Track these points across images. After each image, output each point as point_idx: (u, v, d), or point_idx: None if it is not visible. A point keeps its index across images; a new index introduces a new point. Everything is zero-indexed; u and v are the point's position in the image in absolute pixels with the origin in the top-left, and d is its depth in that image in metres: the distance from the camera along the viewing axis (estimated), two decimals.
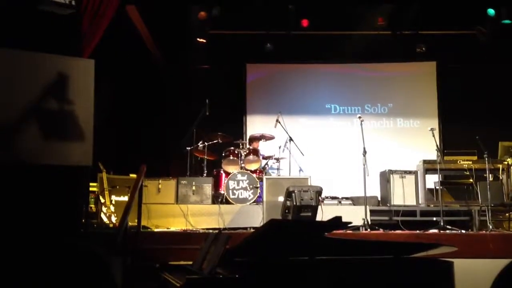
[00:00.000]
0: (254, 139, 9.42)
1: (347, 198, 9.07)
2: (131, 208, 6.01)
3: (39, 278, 1.36)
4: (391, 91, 11.35)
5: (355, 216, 7.35)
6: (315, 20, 10.40)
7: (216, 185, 8.68)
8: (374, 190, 8.93)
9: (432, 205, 8.41)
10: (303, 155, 9.16)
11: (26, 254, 1.40)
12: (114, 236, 5.73)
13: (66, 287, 1.36)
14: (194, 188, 8.22)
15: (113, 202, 7.56)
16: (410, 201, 8.34)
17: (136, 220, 6.43)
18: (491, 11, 9.65)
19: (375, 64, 11.37)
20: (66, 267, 1.38)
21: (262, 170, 8.95)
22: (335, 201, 8.96)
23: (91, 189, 7.45)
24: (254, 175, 8.51)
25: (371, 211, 7.92)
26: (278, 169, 9.27)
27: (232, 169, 8.72)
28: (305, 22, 10.41)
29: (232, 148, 9.03)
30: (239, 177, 8.41)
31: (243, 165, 8.77)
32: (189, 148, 9.00)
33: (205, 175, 8.76)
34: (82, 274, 1.39)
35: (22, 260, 1.39)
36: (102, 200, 7.52)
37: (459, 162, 8.59)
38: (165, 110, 10.64)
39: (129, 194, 6.56)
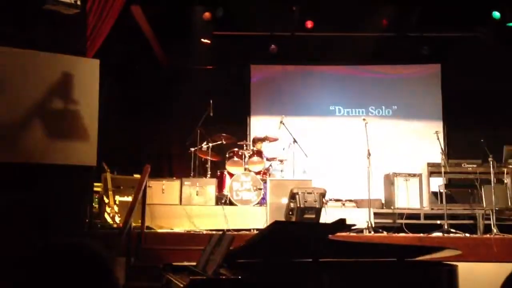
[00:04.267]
0: (258, 140, 9.40)
1: (350, 201, 9.05)
2: (135, 208, 6.02)
3: (36, 277, 1.36)
4: (396, 93, 11.33)
5: (359, 218, 7.33)
6: (320, 22, 10.40)
7: (220, 186, 8.67)
8: (378, 193, 8.89)
9: (436, 208, 8.38)
10: (307, 156, 9.15)
11: (26, 254, 1.40)
12: (117, 236, 5.74)
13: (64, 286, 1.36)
14: (197, 189, 8.21)
15: (117, 202, 7.57)
16: (414, 204, 8.31)
17: (139, 221, 6.43)
18: (496, 14, 9.63)
19: (380, 66, 11.35)
20: (65, 266, 1.38)
21: (266, 172, 8.94)
22: (339, 204, 8.94)
23: (95, 189, 7.46)
24: (258, 176, 8.50)
25: (375, 213, 7.90)
26: (281, 170, 9.25)
27: (236, 170, 8.71)
28: (309, 24, 10.41)
29: (236, 149, 9.02)
30: (243, 178, 8.40)
31: (246, 166, 8.77)
32: (193, 149, 9.00)
33: (208, 176, 8.76)
34: (82, 274, 1.38)
35: (22, 259, 1.39)
36: (106, 200, 7.52)
37: (464, 165, 8.56)
38: (169, 111, 10.65)
39: (133, 195, 6.56)
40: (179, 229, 7.45)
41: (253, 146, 9.31)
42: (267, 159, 9.17)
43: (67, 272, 1.36)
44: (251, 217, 7.92)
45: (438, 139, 7.94)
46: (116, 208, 7.49)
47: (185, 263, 3.64)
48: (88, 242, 1.44)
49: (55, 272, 1.35)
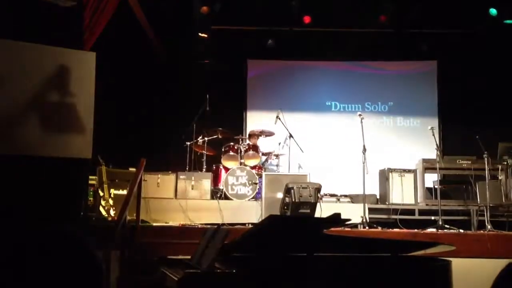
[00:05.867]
0: (254, 135, 9.41)
1: (345, 196, 9.06)
2: (130, 202, 6.01)
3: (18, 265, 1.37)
4: (392, 90, 11.34)
5: (354, 213, 7.32)
6: (317, 17, 10.40)
7: (215, 180, 8.67)
8: (373, 188, 8.92)
9: (430, 204, 8.41)
10: (302, 152, 9.15)
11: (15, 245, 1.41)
12: (112, 229, 5.74)
13: (42, 270, 1.37)
14: (193, 183, 8.21)
15: (112, 195, 7.55)
16: (409, 199, 8.34)
17: (134, 214, 6.43)
18: (493, 11, 9.65)
19: (376, 62, 11.36)
20: (46, 251, 1.39)
21: (261, 166, 8.95)
22: (334, 199, 8.95)
23: (90, 182, 7.44)
24: (254, 171, 8.51)
25: (369, 209, 7.92)
26: (277, 165, 9.27)
27: (232, 164, 8.72)
28: (307, 19, 10.41)
29: (232, 143, 9.02)
30: (238, 172, 8.41)
31: (242, 160, 8.77)
32: (189, 143, 8.99)
33: (204, 170, 8.76)
34: (63, 258, 1.39)
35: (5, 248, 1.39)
36: (101, 194, 7.51)
37: (458, 161, 8.59)
38: (165, 105, 10.63)
39: (128, 188, 6.55)
40: (174, 222, 7.45)
41: (249, 140, 9.31)
42: (263, 154, 9.18)
43: (48, 257, 1.37)
44: (246, 211, 7.93)
45: (433, 135, 7.94)
46: (111, 202, 7.48)
47: (180, 257, 3.65)
48: (68, 227, 1.45)
49: (36, 258, 1.36)
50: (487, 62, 10.28)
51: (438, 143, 8.39)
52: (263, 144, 9.45)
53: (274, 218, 3.48)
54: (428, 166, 8.63)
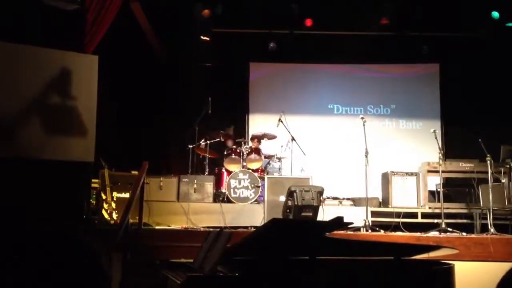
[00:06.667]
0: (256, 138, 9.41)
1: (348, 199, 9.05)
2: (132, 205, 6.02)
3: (25, 266, 1.36)
4: (394, 92, 11.33)
5: (356, 217, 7.32)
6: (319, 20, 10.40)
7: (218, 183, 8.67)
8: (376, 191, 8.90)
9: (433, 207, 8.39)
10: (305, 155, 9.15)
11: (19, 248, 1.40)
12: (115, 232, 5.74)
13: (50, 276, 1.36)
14: (195, 186, 8.22)
15: (115, 198, 7.56)
16: (411, 203, 8.32)
17: (137, 217, 6.43)
18: (495, 14, 9.64)
19: (379, 65, 11.35)
20: (54, 255, 1.38)
21: (263, 169, 8.95)
22: (336, 202, 8.95)
23: (92, 185, 7.45)
24: (256, 174, 8.50)
25: (372, 212, 7.91)
26: (279, 168, 9.26)
27: (234, 167, 8.71)
28: (308, 22, 10.41)
29: (234, 146, 9.02)
30: (241, 176, 8.41)
31: (244, 164, 8.77)
32: (191, 146, 8.99)
33: (206, 173, 8.76)
34: (70, 263, 1.39)
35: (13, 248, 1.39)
36: (104, 197, 7.51)
37: (461, 164, 8.57)
38: (167, 108, 10.64)
39: (130, 191, 6.55)
40: (176, 226, 7.45)
41: (251, 143, 9.31)
42: (265, 157, 9.17)
43: (55, 260, 1.36)
44: (248, 214, 7.92)
45: (435, 138, 7.93)
46: (113, 205, 7.49)
47: (182, 260, 3.65)
48: (76, 233, 1.45)
49: (44, 260, 1.36)
50: (489, 64, 10.28)
51: (440, 146, 8.37)
52: (266, 147, 9.45)
53: (276, 221, 3.47)
54: (431, 169, 8.61)
